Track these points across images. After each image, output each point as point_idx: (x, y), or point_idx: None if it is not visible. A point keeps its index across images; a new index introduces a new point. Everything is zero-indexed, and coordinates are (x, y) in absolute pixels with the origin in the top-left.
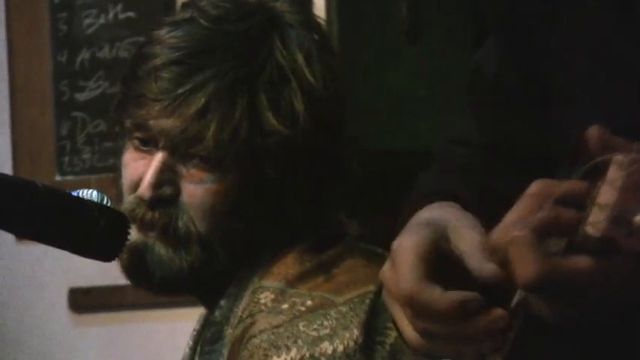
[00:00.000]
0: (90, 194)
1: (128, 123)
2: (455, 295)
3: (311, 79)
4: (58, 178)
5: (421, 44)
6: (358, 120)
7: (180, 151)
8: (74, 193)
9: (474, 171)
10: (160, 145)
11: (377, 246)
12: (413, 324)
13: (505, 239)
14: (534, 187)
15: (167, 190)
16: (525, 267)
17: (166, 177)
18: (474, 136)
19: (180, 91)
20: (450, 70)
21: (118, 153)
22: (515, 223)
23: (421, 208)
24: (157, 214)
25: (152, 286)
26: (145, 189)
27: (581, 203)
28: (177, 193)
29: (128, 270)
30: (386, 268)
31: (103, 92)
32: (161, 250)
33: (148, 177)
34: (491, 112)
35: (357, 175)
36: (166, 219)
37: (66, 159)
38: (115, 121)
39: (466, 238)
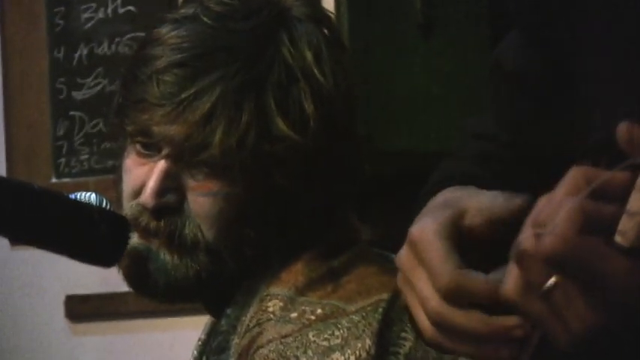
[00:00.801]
0: (88, 197)
1: (129, 128)
2: (499, 276)
3: (321, 78)
4: (54, 180)
5: (435, 39)
6: (369, 119)
7: (185, 158)
8: (72, 196)
9: (493, 159)
10: (164, 152)
11: (389, 252)
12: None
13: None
14: (575, 172)
15: (171, 199)
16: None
17: (170, 185)
18: (495, 132)
19: (184, 95)
20: (466, 67)
21: (117, 154)
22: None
23: (435, 194)
24: (161, 223)
25: (156, 294)
26: (147, 197)
27: (619, 196)
28: (181, 200)
29: (130, 277)
30: (404, 255)
31: (101, 90)
32: (166, 256)
33: (151, 184)
34: (512, 109)
35: (369, 177)
36: (172, 227)
37: (63, 160)
38: (115, 124)
39: (490, 196)
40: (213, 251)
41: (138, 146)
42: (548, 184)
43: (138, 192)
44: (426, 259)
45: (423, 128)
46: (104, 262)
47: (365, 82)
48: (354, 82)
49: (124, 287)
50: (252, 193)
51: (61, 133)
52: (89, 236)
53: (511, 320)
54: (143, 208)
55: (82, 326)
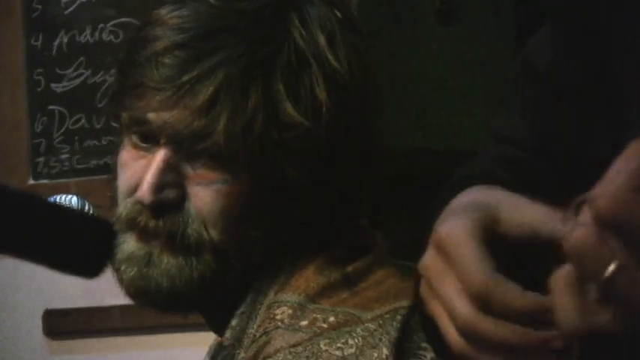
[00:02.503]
0: (69, 200)
1: (125, 117)
2: (538, 297)
3: (335, 63)
4: (31, 181)
5: (454, 26)
6: (381, 114)
7: (186, 148)
8: (51, 199)
9: (518, 164)
10: (162, 141)
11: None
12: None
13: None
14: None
15: (171, 194)
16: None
17: (170, 178)
18: (521, 134)
19: (185, 78)
20: (487, 56)
21: (102, 152)
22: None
23: (457, 195)
24: (161, 223)
25: (158, 303)
26: (144, 192)
27: None
28: (182, 196)
29: (129, 285)
30: (429, 258)
31: (84, 82)
32: (169, 259)
33: (149, 178)
34: (543, 113)
35: (382, 178)
36: (172, 227)
37: (41, 160)
38: (110, 115)
39: (532, 210)
40: (219, 252)
41: (134, 138)
42: (576, 193)
43: (135, 189)
44: (456, 262)
45: (438, 125)
46: (87, 272)
47: (376, 74)
48: (371, 71)
49: (109, 300)
50: (260, 187)
51: (38, 129)
52: (70, 244)
53: (552, 334)
54: (141, 206)
55: (63, 344)
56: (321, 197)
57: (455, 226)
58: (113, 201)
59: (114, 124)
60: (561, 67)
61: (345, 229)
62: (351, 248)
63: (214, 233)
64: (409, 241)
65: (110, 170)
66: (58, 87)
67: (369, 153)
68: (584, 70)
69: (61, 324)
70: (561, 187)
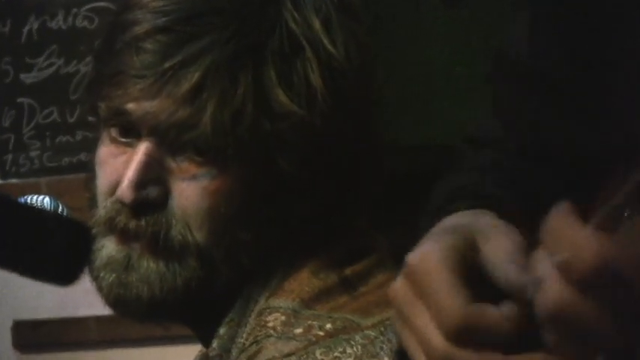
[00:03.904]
0: (41, 201)
1: (103, 108)
2: (514, 310)
3: (330, 48)
4: None
5: (461, 9)
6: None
7: (169, 140)
8: (21, 200)
9: (505, 171)
10: (144, 134)
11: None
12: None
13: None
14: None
15: (153, 192)
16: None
17: (152, 174)
18: (501, 136)
19: (167, 65)
20: (498, 41)
21: (75, 149)
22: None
23: (444, 216)
24: (142, 222)
25: (138, 312)
26: (125, 190)
27: None
28: (166, 194)
29: (107, 293)
30: (400, 286)
31: (56, 72)
32: (150, 263)
33: (130, 174)
34: (523, 109)
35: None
36: (155, 227)
37: (9, 157)
38: (86, 106)
39: (496, 242)
40: (204, 256)
41: (113, 132)
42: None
43: (115, 187)
44: (428, 293)
45: (444, 117)
46: (61, 279)
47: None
48: (370, 56)
49: (84, 311)
50: (250, 183)
51: (6, 124)
52: (43, 248)
53: (537, 357)
54: (121, 205)
55: (33, 358)
56: (316, 194)
57: (426, 251)
58: (92, 202)
59: (90, 118)
60: (543, 58)
61: (343, 229)
62: (350, 250)
63: (200, 235)
64: (412, 244)
65: (86, 169)
66: (27, 77)
67: (369, 145)
68: (571, 61)
69: (32, 336)
70: (551, 191)
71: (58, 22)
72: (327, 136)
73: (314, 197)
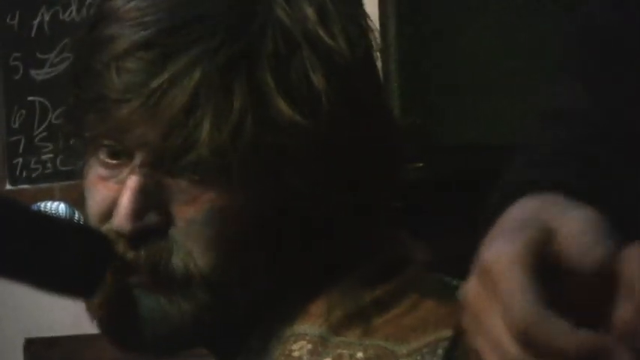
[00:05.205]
0: (56, 208)
1: (87, 135)
2: (590, 337)
3: (329, 41)
4: (9, 186)
5: None
6: (422, 105)
7: (165, 165)
8: (34, 207)
9: (582, 152)
10: (138, 160)
11: (448, 276)
12: None
13: None
14: None
15: (153, 218)
16: None
17: (150, 200)
18: (582, 104)
19: (154, 84)
20: (551, 32)
21: (70, 152)
22: None
23: (510, 207)
24: (142, 253)
25: (142, 348)
26: (122, 220)
27: None
28: (166, 219)
29: (105, 326)
30: (473, 287)
31: (69, 68)
32: (150, 300)
33: (125, 203)
34: (609, 74)
35: (421, 180)
36: (155, 257)
37: (19, 161)
38: (68, 132)
39: (573, 216)
40: (212, 285)
41: (102, 154)
42: None
43: (107, 214)
44: (501, 293)
45: (491, 116)
46: (77, 292)
47: (415, 57)
48: (374, 41)
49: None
50: (257, 200)
51: (16, 125)
52: (57, 259)
53: None
54: (117, 235)
55: None
56: (335, 207)
57: (501, 251)
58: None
59: (74, 145)
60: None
61: (372, 242)
62: (382, 267)
63: (204, 262)
64: (454, 255)
65: None
66: (38, 74)
67: (387, 145)
68: None
69: (45, 355)
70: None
71: (71, 14)
72: (337, 140)
73: (330, 209)
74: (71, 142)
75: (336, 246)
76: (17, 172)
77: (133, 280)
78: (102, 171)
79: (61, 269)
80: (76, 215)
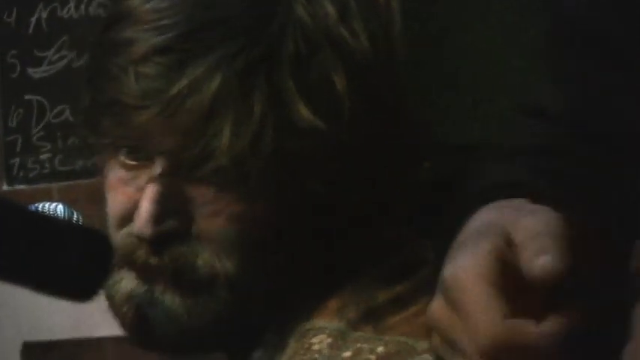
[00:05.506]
0: (54, 208)
1: (105, 141)
2: (554, 325)
3: (351, 40)
4: (5, 187)
5: None
6: (429, 103)
7: (185, 173)
8: (31, 208)
9: (553, 153)
10: (157, 166)
11: None
12: None
13: None
14: None
15: (174, 223)
16: None
17: (171, 203)
18: (557, 103)
19: (173, 91)
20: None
21: (89, 152)
22: None
23: (474, 212)
24: (165, 258)
25: (166, 348)
26: (143, 224)
27: None
28: (188, 222)
29: (130, 328)
30: (437, 307)
31: (67, 66)
32: (175, 300)
33: (146, 206)
34: (586, 81)
35: (430, 179)
36: (179, 261)
37: (17, 161)
38: (84, 137)
39: (524, 224)
40: (236, 285)
41: (122, 156)
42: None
43: (128, 218)
44: (466, 311)
45: (500, 114)
46: (76, 295)
47: (422, 54)
48: (398, 39)
49: (101, 331)
50: (279, 206)
51: (13, 124)
52: (56, 261)
53: None
54: (139, 240)
55: None
56: (354, 209)
57: (461, 265)
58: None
59: (90, 146)
60: (613, 27)
61: (390, 242)
62: (400, 264)
63: (229, 263)
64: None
65: (102, 173)
66: (36, 72)
67: (406, 144)
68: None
69: (44, 359)
70: (606, 169)
71: (69, 11)
72: (357, 141)
73: (350, 212)
74: (89, 143)
75: (354, 245)
76: (14, 172)
77: (158, 281)
78: (122, 173)
79: (59, 271)
80: (75, 216)
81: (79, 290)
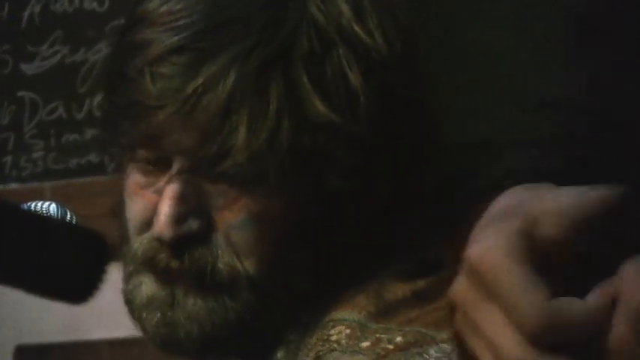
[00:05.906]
0: (47, 208)
1: (124, 142)
2: (599, 301)
3: (366, 38)
4: None
5: None
6: (436, 100)
7: (203, 170)
8: (25, 207)
9: (568, 143)
10: (175, 166)
11: None
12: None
13: None
14: None
15: (194, 224)
16: None
17: (191, 205)
18: (578, 96)
19: (189, 90)
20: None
21: (84, 149)
22: None
23: (494, 199)
24: (186, 261)
25: (191, 350)
26: (163, 227)
27: None
28: (208, 224)
29: (156, 335)
30: (461, 288)
31: (61, 61)
32: (197, 302)
33: (166, 209)
34: (605, 68)
35: (435, 178)
36: (200, 263)
37: (9, 159)
38: (105, 140)
39: (581, 199)
40: (258, 286)
41: (140, 161)
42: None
43: (148, 222)
44: (499, 293)
45: (504, 112)
46: (71, 297)
47: (425, 49)
48: (415, 38)
49: (96, 333)
50: (298, 202)
51: (5, 121)
52: (49, 262)
53: None
54: (159, 243)
55: None
56: (373, 207)
57: (488, 245)
58: (123, 237)
59: (110, 150)
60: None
61: (409, 241)
62: (421, 262)
63: (250, 264)
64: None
65: (96, 171)
66: (28, 68)
67: (427, 144)
68: None
69: None
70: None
71: (62, 5)
72: (375, 137)
73: (370, 209)
74: (109, 150)
75: (374, 245)
76: (6, 171)
77: (179, 284)
78: (140, 179)
79: (53, 272)
80: (68, 215)
81: (74, 292)
